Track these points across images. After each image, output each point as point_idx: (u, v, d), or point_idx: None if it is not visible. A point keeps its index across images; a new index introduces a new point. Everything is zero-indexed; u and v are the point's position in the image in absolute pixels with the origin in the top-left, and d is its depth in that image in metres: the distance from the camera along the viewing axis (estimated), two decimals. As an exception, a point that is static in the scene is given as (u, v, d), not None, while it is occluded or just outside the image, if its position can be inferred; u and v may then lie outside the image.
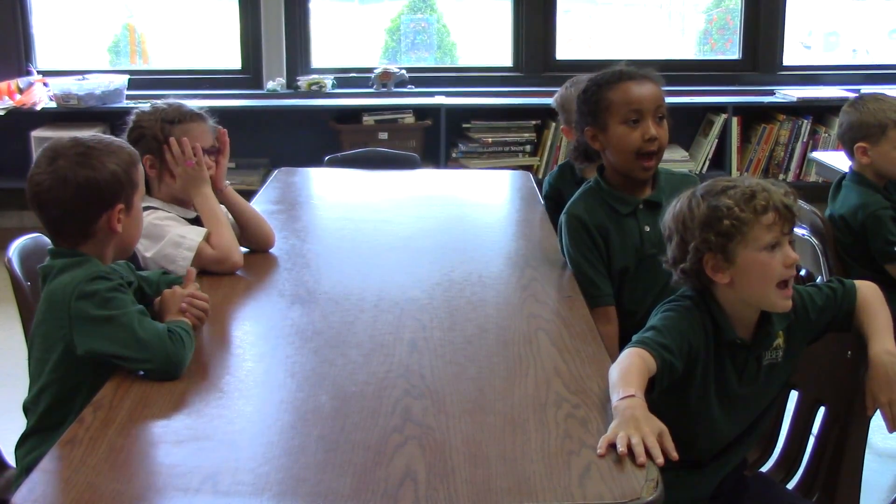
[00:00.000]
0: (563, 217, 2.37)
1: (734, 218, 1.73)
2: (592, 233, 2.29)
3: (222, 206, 2.46)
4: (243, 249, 2.43)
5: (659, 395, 1.67)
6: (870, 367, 1.80)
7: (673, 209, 1.84)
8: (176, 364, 1.75)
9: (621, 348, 1.75)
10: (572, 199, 2.38)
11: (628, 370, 1.63)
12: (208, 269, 2.26)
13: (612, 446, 1.46)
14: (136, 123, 2.38)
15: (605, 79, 2.31)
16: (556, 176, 3.05)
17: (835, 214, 2.91)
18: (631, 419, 1.49)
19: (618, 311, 2.26)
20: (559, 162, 5.24)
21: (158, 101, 2.42)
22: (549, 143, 5.24)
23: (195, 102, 2.53)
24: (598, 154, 2.37)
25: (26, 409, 1.90)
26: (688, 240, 1.78)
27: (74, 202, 1.82)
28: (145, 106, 2.42)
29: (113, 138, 1.94)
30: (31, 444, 1.85)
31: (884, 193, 2.85)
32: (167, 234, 2.25)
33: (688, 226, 1.78)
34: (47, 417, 1.84)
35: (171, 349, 1.75)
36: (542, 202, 3.05)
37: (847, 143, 2.91)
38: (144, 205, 2.29)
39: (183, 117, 2.37)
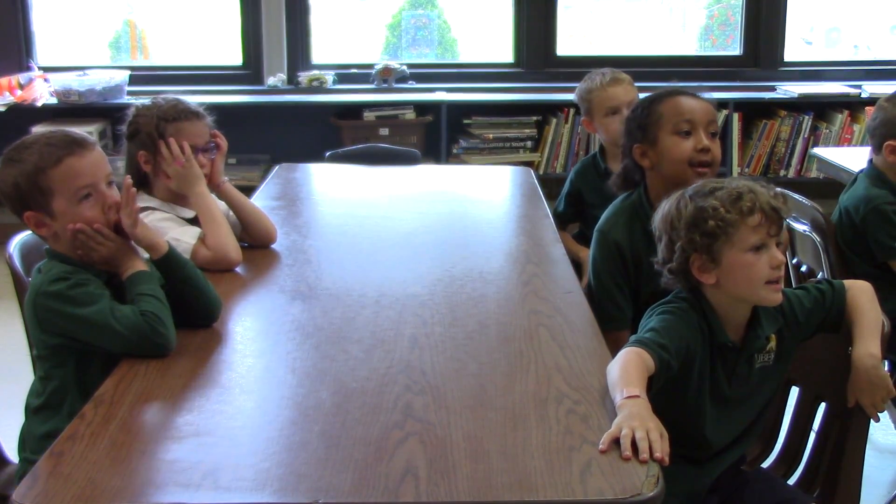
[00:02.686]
0: (597, 234, 2.29)
1: (719, 219, 1.74)
2: (626, 259, 2.21)
3: (222, 204, 2.46)
4: (245, 245, 2.44)
5: (656, 393, 1.67)
6: (852, 370, 1.81)
7: (662, 210, 1.84)
8: (160, 345, 1.81)
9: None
10: (609, 215, 2.30)
11: (628, 369, 1.63)
12: (205, 269, 2.26)
13: (614, 442, 1.46)
14: (133, 119, 2.38)
15: (657, 95, 2.27)
16: (579, 172, 3.07)
17: (841, 207, 2.88)
18: (637, 416, 1.50)
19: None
20: (559, 158, 5.26)
21: (159, 97, 2.42)
22: (549, 139, 5.23)
23: (196, 98, 2.53)
24: (641, 177, 2.28)
25: (30, 395, 1.96)
26: (674, 240, 1.79)
27: (7, 205, 1.89)
28: (146, 101, 2.42)
29: (37, 139, 1.88)
30: (35, 425, 1.91)
31: (893, 189, 2.80)
32: (164, 238, 2.25)
33: (675, 226, 1.79)
34: (47, 405, 1.90)
35: (150, 332, 1.79)
36: (553, 199, 3.05)
37: (877, 138, 2.81)
38: (143, 205, 2.29)
39: (178, 115, 2.36)
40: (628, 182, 2.32)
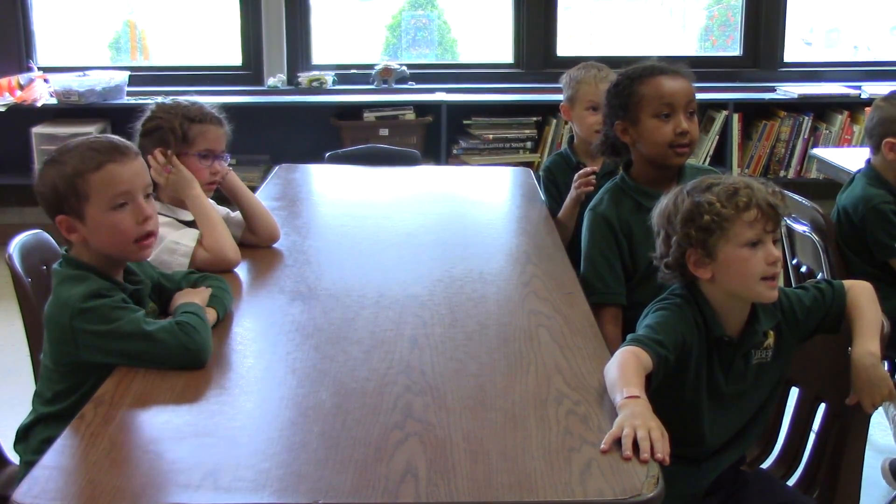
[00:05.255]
0: (586, 214, 2.38)
1: (715, 213, 1.75)
2: (616, 231, 2.29)
3: (221, 208, 2.47)
4: (248, 244, 2.45)
5: (654, 390, 1.67)
6: (852, 370, 1.81)
7: (660, 205, 1.86)
8: (196, 351, 1.77)
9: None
10: (596, 197, 2.39)
11: (626, 370, 1.63)
12: (204, 270, 2.26)
13: (615, 443, 1.46)
14: (154, 114, 2.39)
15: (637, 73, 2.33)
16: (553, 162, 3.06)
17: (839, 207, 2.88)
18: (638, 416, 1.50)
19: (641, 306, 2.07)
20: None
21: (180, 98, 2.43)
22: (549, 139, 5.23)
23: (196, 99, 2.53)
24: (626, 148, 2.36)
25: (36, 400, 1.92)
26: (671, 234, 1.81)
27: (43, 206, 1.87)
28: (167, 100, 2.43)
29: (80, 143, 1.87)
30: (41, 430, 1.87)
31: (890, 189, 2.80)
32: (163, 241, 2.25)
33: (671, 220, 1.80)
34: (60, 415, 1.84)
35: (185, 339, 1.77)
36: (543, 197, 3.04)
37: (875, 137, 2.82)
38: None
39: (204, 118, 2.38)
40: (614, 150, 2.40)
